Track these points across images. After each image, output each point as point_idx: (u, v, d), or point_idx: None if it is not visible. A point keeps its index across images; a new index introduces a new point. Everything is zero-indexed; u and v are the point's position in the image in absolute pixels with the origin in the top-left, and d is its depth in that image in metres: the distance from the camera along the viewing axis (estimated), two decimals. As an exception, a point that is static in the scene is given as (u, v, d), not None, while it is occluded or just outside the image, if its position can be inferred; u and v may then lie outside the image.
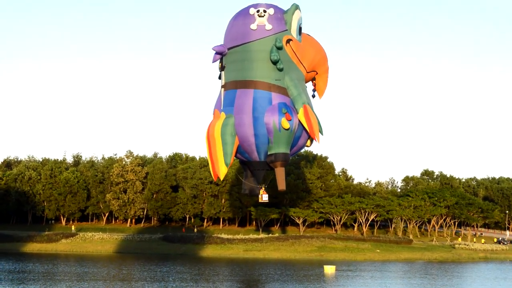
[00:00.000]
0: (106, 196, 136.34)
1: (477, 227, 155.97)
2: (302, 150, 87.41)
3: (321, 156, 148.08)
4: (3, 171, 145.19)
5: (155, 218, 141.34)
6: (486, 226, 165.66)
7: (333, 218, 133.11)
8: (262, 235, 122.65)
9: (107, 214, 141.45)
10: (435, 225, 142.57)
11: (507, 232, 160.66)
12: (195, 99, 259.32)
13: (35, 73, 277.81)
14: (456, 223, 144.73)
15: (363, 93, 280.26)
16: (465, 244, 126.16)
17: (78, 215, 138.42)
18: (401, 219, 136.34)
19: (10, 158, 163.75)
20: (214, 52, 59.80)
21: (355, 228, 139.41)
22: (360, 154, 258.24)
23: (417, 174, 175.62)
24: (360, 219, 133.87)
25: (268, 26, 58.52)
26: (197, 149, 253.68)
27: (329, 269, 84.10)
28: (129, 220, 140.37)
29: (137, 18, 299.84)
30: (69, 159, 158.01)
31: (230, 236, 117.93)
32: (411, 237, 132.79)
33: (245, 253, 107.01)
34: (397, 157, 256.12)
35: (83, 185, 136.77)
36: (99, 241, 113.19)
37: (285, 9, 60.52)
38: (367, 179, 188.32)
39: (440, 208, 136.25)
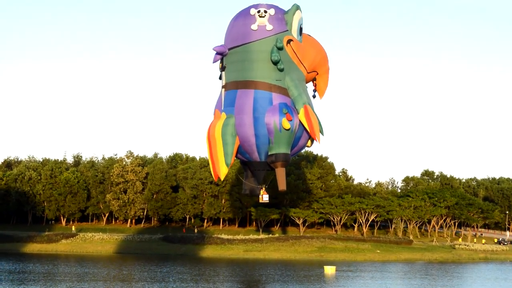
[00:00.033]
0: (106, 196, 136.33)
1: (477, 227, 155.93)
2: (303, 151, 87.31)
3: (321, 156, 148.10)
4: (3, 171, 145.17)
5: (155, 219, 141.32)
6: (486, 226, 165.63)
7: (333, 218, 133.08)
8: (262, 236, 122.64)
9: (107, 215, 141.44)
10: (435, 226, 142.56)
11: (507, 233, 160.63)
12: (195, 99, 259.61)
13: (35, 73, 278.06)
14: (456, 223, 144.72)
15: (363, 93, 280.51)
16: (465, 245, 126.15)
17: (78, 216, 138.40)
18: (401, 220, 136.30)
19: (10, 158, 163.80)
20: (215, 52, 59.82)
21: (355, 229, 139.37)
22: (360, 155, 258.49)
23: (417, 174, 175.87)
24: (360, 219, 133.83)
25: (269, 27, 58.51)
26: (197, 150, 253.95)
27: (329, 270, 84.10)
28: (129, 220, 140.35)
29: (137, 18, 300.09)
30: (69, 159, 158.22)
31: (230, 237, 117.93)
32: (411, 237, 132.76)
33: (245, 253, 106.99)
34: (397, 158, 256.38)
35: (83, 186, 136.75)
36: (99, 241, 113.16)
37: (286, 9, 60.53)
38: (367, 179, 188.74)
39: (440, 208, 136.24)
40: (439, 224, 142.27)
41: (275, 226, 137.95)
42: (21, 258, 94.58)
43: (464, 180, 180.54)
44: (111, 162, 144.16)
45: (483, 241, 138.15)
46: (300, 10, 60.61)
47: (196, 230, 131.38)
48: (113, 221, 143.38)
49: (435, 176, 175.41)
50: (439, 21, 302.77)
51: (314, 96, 63.58)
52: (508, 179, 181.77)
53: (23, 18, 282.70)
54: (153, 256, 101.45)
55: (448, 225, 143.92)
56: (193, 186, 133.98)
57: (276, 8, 59.73)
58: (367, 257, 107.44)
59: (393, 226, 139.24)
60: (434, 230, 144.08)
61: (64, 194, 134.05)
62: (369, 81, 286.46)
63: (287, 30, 59.38)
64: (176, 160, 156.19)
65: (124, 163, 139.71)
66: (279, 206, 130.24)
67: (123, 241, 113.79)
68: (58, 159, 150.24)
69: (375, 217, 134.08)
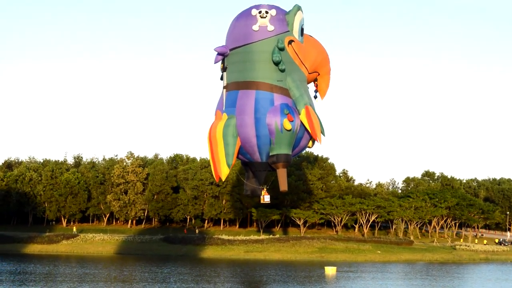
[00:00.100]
0: (107, 197, 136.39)
1: (478, 228, 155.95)
2: (303, 151, 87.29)
3: (322, 157, 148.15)
4: (4, 172, 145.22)
5: (155, 219, 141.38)
6: (487, 227, 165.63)
7: (334, 219, 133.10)
8: (263, 236, 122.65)
9: (107, 215, 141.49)
10: (436, 226, 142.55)
11: (508, 233, 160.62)
12: (196, 100, 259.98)
13: (35, 74, 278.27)
14: (457, 224, 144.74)
15: (363, 94, 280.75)
16: (466, 245, 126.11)
17: (79, 216, 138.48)
18: (402, 220, 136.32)
19: (11, 159, 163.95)
20: (216, 53, 59.81)
21: (356, 229, 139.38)
22: (361, 155, 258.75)
23: (418, 175, 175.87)
24: (361, 220, 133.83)
25: (270, 27, 58.43)
26: (198, 150, 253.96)
27: (330, 270, 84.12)
28: (130, 221, 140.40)
29: (137, 18, 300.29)
30: (70, 160, 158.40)
31: (231, 237, 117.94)
32: (412, 238, 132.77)
33: (246, 254, 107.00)
34: (398, 158, 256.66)
35: (84, 186, 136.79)
36: (100, 242, 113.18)
37: (287, 10, 60.50)
38: (368, 180, 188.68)
39: (441, 209, 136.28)
40: (440, 224, 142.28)
41: (276, 227, 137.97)
42: (21, 259, 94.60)
43: (464, 181, 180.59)
44: (111, 163, 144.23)
45: (485, 241, 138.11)
46: (302, 11, 60.53)
47: (197, 231, 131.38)
48: (114, 222, 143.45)
49: (435, 177, 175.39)
50: (439, 21, 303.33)
51: (315, 97, 63.49)
52: (509, 180, 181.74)
53: (23, 18, 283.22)
54: (154, 257, 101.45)
55: (448, 226, 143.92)
56: (194, 187, 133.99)
57: (278, 8, 59.68)
58: (367, 257, 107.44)
59: (393, 226, 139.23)
60: (435, 231, 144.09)
61: (65, 195, 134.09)
62: (369, 81, 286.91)
63: (289, 31, 59.31)
64: (176, 160, 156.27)
65: (124, 164, 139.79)
66: (280, 207, 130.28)
67: (123, 242, 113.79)
68: (58, 160, 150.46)
69: (376, 218, 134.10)
